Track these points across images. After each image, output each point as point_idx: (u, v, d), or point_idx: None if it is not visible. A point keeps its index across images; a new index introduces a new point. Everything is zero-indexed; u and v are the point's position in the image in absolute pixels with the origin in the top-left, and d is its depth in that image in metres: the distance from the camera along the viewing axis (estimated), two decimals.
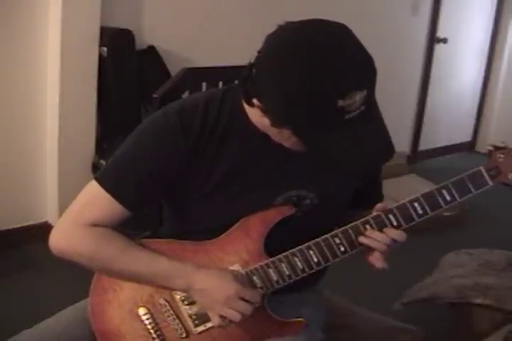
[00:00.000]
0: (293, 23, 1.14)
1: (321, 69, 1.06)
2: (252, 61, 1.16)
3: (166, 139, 1.24)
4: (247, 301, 1.21)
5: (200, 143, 1.24)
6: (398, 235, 1.25)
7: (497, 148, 1.27)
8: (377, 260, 1.26)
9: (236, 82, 1.36)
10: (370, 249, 1.27)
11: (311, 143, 1.15)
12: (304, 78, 1.07)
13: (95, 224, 1.26)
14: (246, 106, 1.24)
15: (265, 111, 1.17)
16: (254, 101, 1.18)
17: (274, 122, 1.17)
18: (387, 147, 1.17)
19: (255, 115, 1.22)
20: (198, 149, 1.24)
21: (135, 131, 1.29)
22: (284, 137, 1.19)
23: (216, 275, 1.24)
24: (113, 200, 1.25)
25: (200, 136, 1.24)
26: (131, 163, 1.25)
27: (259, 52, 1.15)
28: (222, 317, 1.22)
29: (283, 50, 1.10)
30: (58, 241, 1.29)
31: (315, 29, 1.11)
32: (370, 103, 1.12)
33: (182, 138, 1.23)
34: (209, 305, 1.24)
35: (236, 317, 1.21)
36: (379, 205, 1.26)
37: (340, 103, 1.07)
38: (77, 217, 1.27)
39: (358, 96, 1.08)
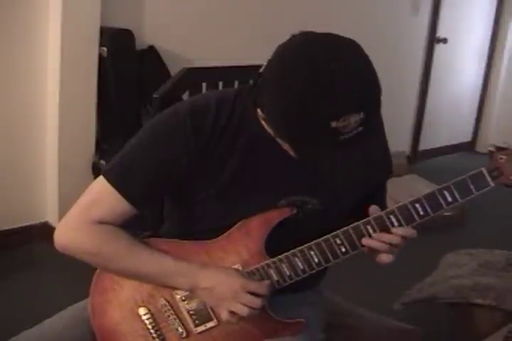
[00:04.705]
0: (304, 35, 1.13)
1: (317, 91, 1.06)
2: (262, 70, 1.16)
3: (176, 139, 1.23)
4: (254, 295, 1.21)
5: (209, 144, 1.24)
6: (408, 232, 1.24)
7: (498, 149, 1.26)
8: (380, 258, 1.26)
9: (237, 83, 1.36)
10: (374, 250, 1.26)
11: (303, 159, 1.17)
12: (299, 97, 1.07)
13: (101, 221, 1.26)
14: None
15: (266, 121, 1.19)
16: (258, 110, 1.20)
17: (274, 133, 1.19)
18: (380, 168, 1.15)
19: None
20: (207, 150, 1.24)
21: (145, 128, 1.29)
22: (287, 146, 1.20)
23: (220, 272, 1.24)
24: (120, 197, 1.25)
25: (210, 137, 1.24)
26: (140, 161, 1.25)
27: (268, 61, 1.15)
28: (231, 312, 1.22)
29: (284, 66, 1.10)
30: (64, 236, 1.28)
31: (320, 46, 1.09)
32: (369, 124, 1.10)
33: (192, 139, 1.23)
34: (216, 302, 1.24)
35: (244, 311, 1.20)
36: (373, 207, 1.25)
37: (334, 124, 1.07)
38: (84, 213, 1.27)
39: (353, 119, 1.07)
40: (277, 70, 1.11)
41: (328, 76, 1.06)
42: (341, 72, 1.06)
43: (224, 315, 1.23)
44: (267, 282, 1.25)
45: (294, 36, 1.13)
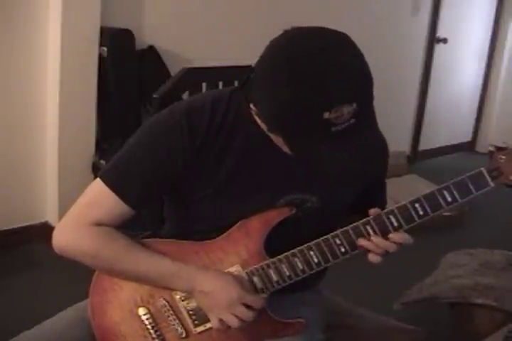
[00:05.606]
0: (295, 29, 1.13)
1: (308, 82, 1.07)
2: (253, 65, 1.16)
3: (172, 139, 1.24)
4: (248, 307, 1.21)
5: (205, 143, 1.24)
6: (404, 239, 1.24)
7: (498, 149, 1.26)
8: (372, 257, 1.26)
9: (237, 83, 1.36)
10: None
11: (297, 152, 1.16)
12: (291, 90, 1.08)
13: (99, 223, 1.26)
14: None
15: (259, 116, 1.19)
16: (251, 105, 1.20)
17: (267, 128, 1.19)
18: (375, 163, 1.16)
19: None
20: (203, 150, 1.24)
21: (141, 129, 1.29)
22: (281, 142, 1.20)
23: (219, 278, 1.24)
24: (117, 198, 1.25)
25: (206, 137, 1.24)
26: (136, 161, 1.25)
27: (261, 56, 1.15)
28: (221, 320, 1.22)
29: (275, 60, 1.11)
30: (61, 239, 1.28)
31: (311, 40, 1.10)
32: (362, 116, 1.11)
33: (188, 139, 1.23)
34: (210, 307, 1.24)
35: (235, 323, 1.21)
36: (373, 210, 1.26)
37: (326, 115, 1.07)
38: (81, 215, 1.27)
39: (346, 110, 1.08)
40: (268, 65, 1.12)
41: (318, 68, 1.07)
42: (332, 64, 1.07)
43: (214, 322, 1.23)
44: (263, 296, 1.25)
45: (285, 31, 1.14)
